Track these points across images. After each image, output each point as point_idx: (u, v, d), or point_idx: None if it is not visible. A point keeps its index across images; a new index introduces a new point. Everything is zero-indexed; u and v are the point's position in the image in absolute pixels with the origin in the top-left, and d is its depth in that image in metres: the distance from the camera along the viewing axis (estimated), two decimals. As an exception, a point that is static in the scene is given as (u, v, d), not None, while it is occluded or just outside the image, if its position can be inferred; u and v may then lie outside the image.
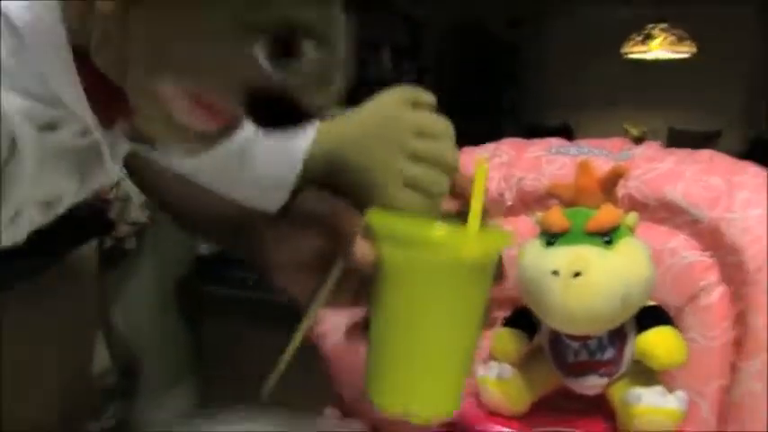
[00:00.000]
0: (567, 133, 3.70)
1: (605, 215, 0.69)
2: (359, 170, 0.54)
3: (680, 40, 3.21)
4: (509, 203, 0.87)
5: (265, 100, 0.41)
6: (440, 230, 0.51)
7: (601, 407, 0.74)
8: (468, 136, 0.76)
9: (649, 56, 3.32)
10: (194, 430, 0.68)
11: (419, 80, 3.47)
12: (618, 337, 0.72)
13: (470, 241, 0.52)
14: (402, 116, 0.54)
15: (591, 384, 0.73)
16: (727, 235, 0.79)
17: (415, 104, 0.55)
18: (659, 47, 3.21)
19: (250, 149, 0.54)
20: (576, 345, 0.72)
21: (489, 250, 0.52)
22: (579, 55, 4.20)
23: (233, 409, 0.71)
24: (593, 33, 3.98)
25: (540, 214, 0.72)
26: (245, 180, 0.56)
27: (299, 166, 0.56)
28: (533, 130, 3.60)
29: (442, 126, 0.55)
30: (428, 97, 0.56)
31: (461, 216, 0.54)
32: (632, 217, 0.73)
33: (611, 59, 3.60)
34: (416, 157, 0.53)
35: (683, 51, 3.25)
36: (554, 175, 0.85)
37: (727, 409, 0.76)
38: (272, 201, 0.57)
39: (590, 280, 0.65)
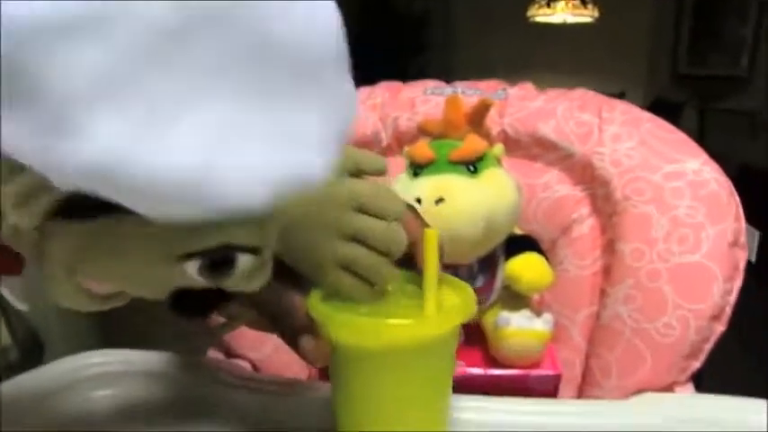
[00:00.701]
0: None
1: (469, 145, 0.70)
2: (301, 249, 0.49)
3: (583, 3, 3.28)
4: (385, 143, 0.88)
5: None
6: (394, 320, 0.46)
7: (475, 335, 0.76)
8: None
9: (554, 19, 3.39)
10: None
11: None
12: (488, 265, 0.74)
13: (428, 325, 0.47)
14: (338, 192, 0.48)
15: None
16: (598, 168, 0.82)
17: (358, 172, 0.50)
18: (563, 10, 3.29)
19: None
20: (447, 273, 0.73)
21: (451, 326, 0.48)
22: (485, 20, 4.24)
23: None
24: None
25: (407, 148, 0.73)
26: None
27: None
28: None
29: (387, 199, 0.48)
30: (373, 162, 0.50)
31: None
32: (498, 148, 0.74)
33: (516, 24, 3.64)
34: (354, 237, 0.48)
35: (587, 15, 3.32)
36: (428, 115, 0.86)
37: (596, 332, 0.79)
38: None
39: (452, 206, 0.66)
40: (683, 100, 3.64)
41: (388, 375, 0.47)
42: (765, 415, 0.58)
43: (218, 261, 0.37)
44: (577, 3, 3.26)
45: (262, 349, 0.80)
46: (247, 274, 0.39)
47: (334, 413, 0.52)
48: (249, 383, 0.67)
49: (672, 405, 0.64)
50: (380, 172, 0.50)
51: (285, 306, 0.51)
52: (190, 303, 0.41)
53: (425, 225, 0.52)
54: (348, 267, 0.48)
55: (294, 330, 0.50)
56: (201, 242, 0.36)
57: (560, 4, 3.25)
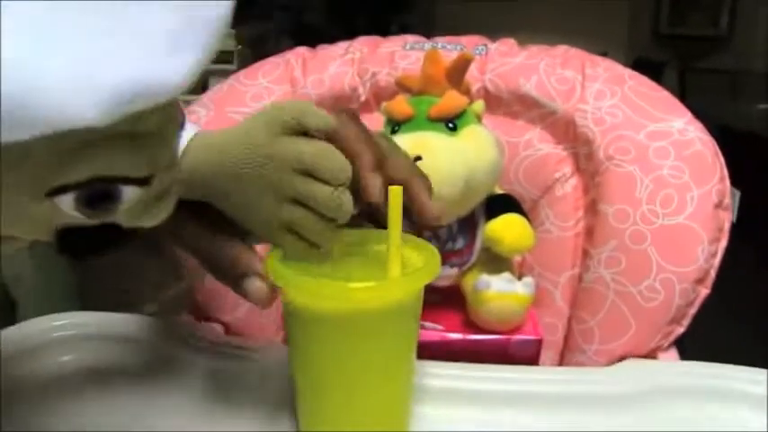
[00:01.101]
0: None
1: (448, 101, 0.67)
2: (244, 207, 0.47)
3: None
4: (363, 99, 0.85)
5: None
6: (356, 284, 0.43)
7: (455, 299, 0.73)
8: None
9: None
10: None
11: (300, 7, 3.38)
12: (468, 226, 0.72)
13: (393, 288, 0.44)
14: (281, 153, 0.45)
15: (443, 275, 0.72)
16: (580, 126, 0.79)
17: (300, 131, 0.46)
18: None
19: None
20: (425, 235, 0.70)
21: (415, 288, 0.46)
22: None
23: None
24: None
25: (385, 104, 0.70)
26: None
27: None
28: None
29: (333, 163, 0.45)
30: (317, 120, 0.46)
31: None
32: (479, 104, 0.71)
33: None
34: (297, 201, 0.45)
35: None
36: (407, 70, 0.83)
37: (578, 295, 0.77)
38: None
39: (431, 163, 0.63)
40: (664, 60, 3.62)
41: (349, 340, 0.45)
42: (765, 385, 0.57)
43: (97, 195, 0.32)
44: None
45: (235, 312, 0.77)
46: (139, 208, 0.35)
47: (292, 378, 0.49)
48: (218, 347, 0.64)
49: (659, 372, 0.62)
50: (327, 129, 0.46)
51: (228, 257, 0.48)
52: (81, 242, 0.37)
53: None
54: (293, 230, 0.46)
55: (237, 278, 0.48)
56: (70, 174, 0.31)
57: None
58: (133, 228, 0.37)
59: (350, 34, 0.91)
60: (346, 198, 0.45)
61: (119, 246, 0.41)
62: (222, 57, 2.15)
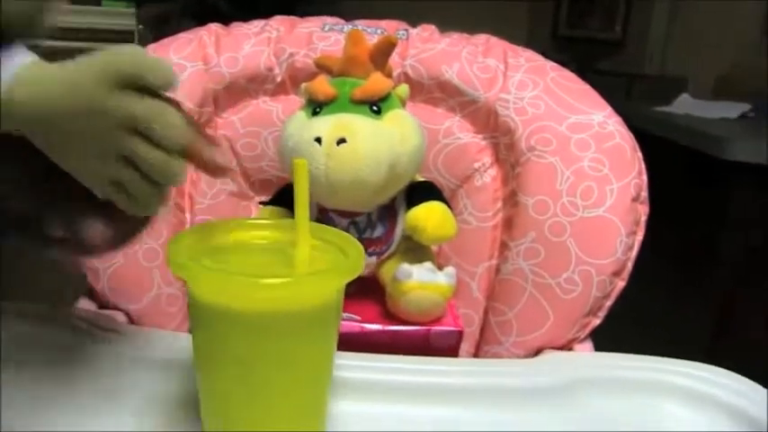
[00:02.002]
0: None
1: (373, 83, 0.65)
2: (75, 161, 0.44)
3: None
4: (279, 80, 0.81)
5: None
6: (268, 280, 0.40)
7: (373, 288, 0.71)
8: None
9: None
10: None
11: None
12: (388, 214, 0.69)
13: (304, 288, 0.41)
14: (113, 109, 0.41)
15: (362, 267, 0.69)
16: (502, 116, 0.78)
17: (131, 84, 0.41)
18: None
19: None
20: (344, 222, 0.68)
21: (332, 288, 0.43)
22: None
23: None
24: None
25: (305, 85, 0.67)
26: None
27: None
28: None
29: (167, 127, 0.42)
30: (157, 76, 0.42)
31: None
32: (403, 88, 0.69)
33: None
34: (127, 160, 0.42)
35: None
36: (326, 51, 0.79)
37: (495, 286, 0.76)
38: None
39: (355, 147, 0.60)
40: (562, 61, 3.70)
41: (258, 340, 0.42)
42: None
43: None
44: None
45: (141, 300, 0.73)
46: None
47: (196, 373, 0.46)
48: (113, 336, 0.60)
49: (577, 364, 0.62)
50: (168, 85, 0.42)
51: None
52: None
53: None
54: (121, 188, 0.44)
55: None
56: None
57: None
58: None
59: (254, 18, 0.87)
60: (178, 165, 0.43)
61: None
62: (123, 37, 2.06)
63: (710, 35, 2.80)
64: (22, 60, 0.43)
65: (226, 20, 0.85)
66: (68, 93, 0.41)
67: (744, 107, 2.09)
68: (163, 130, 0.42)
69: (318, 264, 0.45)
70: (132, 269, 0.72)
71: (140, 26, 2.21)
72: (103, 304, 0.72)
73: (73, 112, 0.41)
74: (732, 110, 2.07)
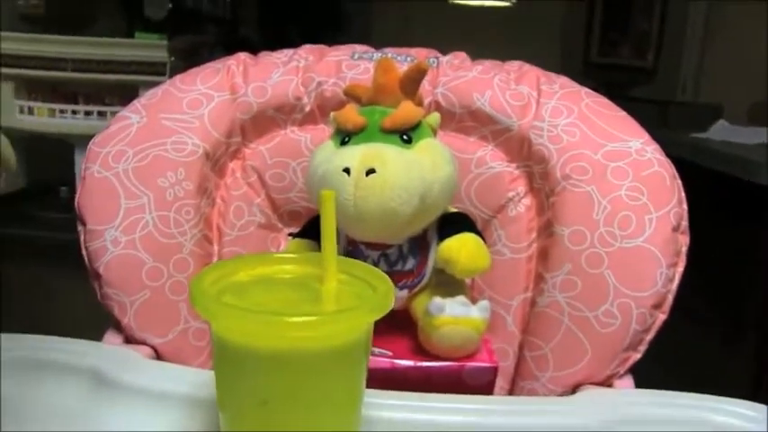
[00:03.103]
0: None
1: (403, 112, 0.63)
2: None
3: (501, -11, 3.30)
4: (307, 109, 0.80)
5: None
6: (293, 318, 0.38)
7: (405, 323, 0.69)
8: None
9: (473, 2, 3.39)
10: None
11: (235, 21, 3.30)
12: (419, 246, 0.67)
13: (330, 326, 0.40)
14: None
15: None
16: (535, 144, 0.76)
17: None
18: (482, -6, 3.29)
19: None
20: (374, 254, 0.66)
21: (360, 326, 0.41)
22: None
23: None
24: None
25: (333, 113, 0.65)
26: None
27: None
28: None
29: None
30: None
31: None
32: (434, 117, 0.67)
33: (437, 4, 3.62)
34: None
35: (504, 0, 3.34)
36: (356, 80, 0.78)
37: (530, 319, 0.73)
38: None
39: (384, 177, 0.59)
40: (594, 88, 3.69)
41: (283, 379, 0.40)
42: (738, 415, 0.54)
43: None
44: (495, -12, 3.26)
45: (167, 334, 0.71)
46: None
47: (219, 412, 0.44)
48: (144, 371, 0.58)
49: (618, 402, 0.59)
50: None
51: None
52: None
53: None
54: None
55: None
56: None
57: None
58: None
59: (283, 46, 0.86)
60: None
61: None
62: (154, 68, 2.07)
63: (744, 62, 2.77)
64: None
65: (256, 50, 0.85)
66: None
67: (781, 133, 2.06)
68: None
69: (346, 299, 0.43)
70: (159, 303, 0.71)
71: (172, 58, 2.23)
72: (129, 338, 0.71)
73: None
74: (768, 136, 2.04)
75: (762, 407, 0.56)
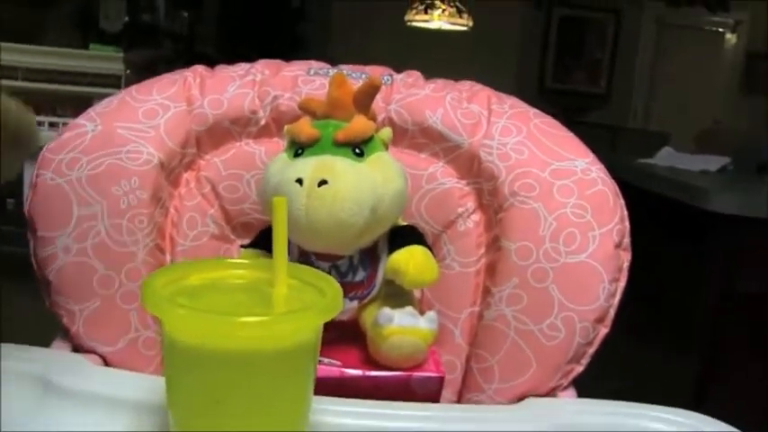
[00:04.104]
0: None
1: (356, 125, 0.65)
2: None
3: (459, 13, 3.34)
4: (263, 123, 0.81)
5: None
6: (244, 318, 0.40)
7: (354, 333, 0.70)
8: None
9: (431, 25, 3.45)
10: None
11: (192, 37, 3.31)
12: (370, 258, 0.69)
13: (280, 327, 0.41)
14: None
15: (343, 309, 0.68)
16: (485, 162, 0.78)
17: None
18: (440, 18, 3.33)
19: None
20: (325, 265, 0.67)
21: (309, 327, 0.43)
22: (363, 20, 4.23)
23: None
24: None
25: (288, 126, 0.67)
26: None
27: None
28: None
29: None
30: None
31: None
32: (387, 131, 0.69)
33: (394, 26, 3.66)
34: None
35: (462, 24, 3.39)
36: (311, 95, 0.80)
37: (478, 332, 0.75)
38: None
39: (336, 188, 0.60)
40: (549, 112, 3.76)
41: (233, 377, 0.41)
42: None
43: None
44: (453, 12, 3.30)
45: (116, 343, 0.71)
46: None
47: (169, 414, 0.45)
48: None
49: (560, 411, 0.61)
50: None
51: None
52: None
53: None
54: None
55: None
56: None
57: (437, 12, 3.29)
58: None
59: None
60: None
61: None
62: (109, 81, 2.07)
63: (692, 92, 2.85)
64: None
65: (214, 65, 0.86)
66: None
67: (724, 160, 2.13)
68: None
69: (295, 303, 0.44)
70: (109, 311, 0.71)
71: (128, 71, 2.23)
72: (78, 347, 0.70)
73: None
74: (713, 163, 2.10)
75: (696, 414, 0.59)
